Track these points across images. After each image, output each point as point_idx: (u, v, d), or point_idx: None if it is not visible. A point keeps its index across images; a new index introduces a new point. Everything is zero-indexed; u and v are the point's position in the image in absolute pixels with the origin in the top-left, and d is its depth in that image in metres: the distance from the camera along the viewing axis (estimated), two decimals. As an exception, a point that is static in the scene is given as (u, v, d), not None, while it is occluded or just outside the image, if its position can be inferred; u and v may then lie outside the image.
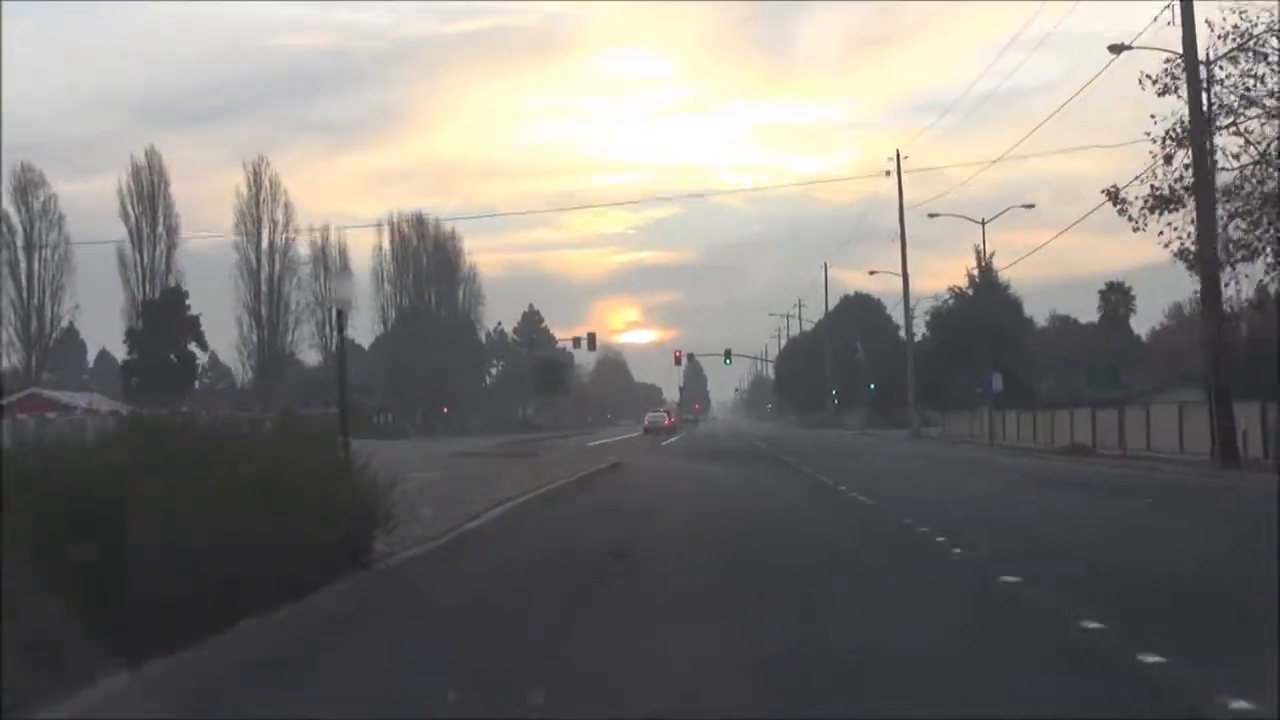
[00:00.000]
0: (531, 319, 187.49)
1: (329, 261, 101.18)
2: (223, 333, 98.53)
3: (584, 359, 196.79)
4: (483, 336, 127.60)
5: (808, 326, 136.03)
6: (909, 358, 78.68)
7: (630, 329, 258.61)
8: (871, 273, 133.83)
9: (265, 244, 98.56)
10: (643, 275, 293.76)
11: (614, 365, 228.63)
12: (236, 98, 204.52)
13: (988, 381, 61.44)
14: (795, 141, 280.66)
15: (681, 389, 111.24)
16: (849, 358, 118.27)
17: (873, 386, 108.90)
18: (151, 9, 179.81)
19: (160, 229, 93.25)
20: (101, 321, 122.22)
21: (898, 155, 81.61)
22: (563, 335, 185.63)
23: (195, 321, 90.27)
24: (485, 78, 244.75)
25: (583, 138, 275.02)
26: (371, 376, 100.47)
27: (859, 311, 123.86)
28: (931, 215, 75.15)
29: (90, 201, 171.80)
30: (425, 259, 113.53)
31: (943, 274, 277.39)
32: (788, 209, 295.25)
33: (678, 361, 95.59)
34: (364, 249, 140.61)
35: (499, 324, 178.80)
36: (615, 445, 62.66)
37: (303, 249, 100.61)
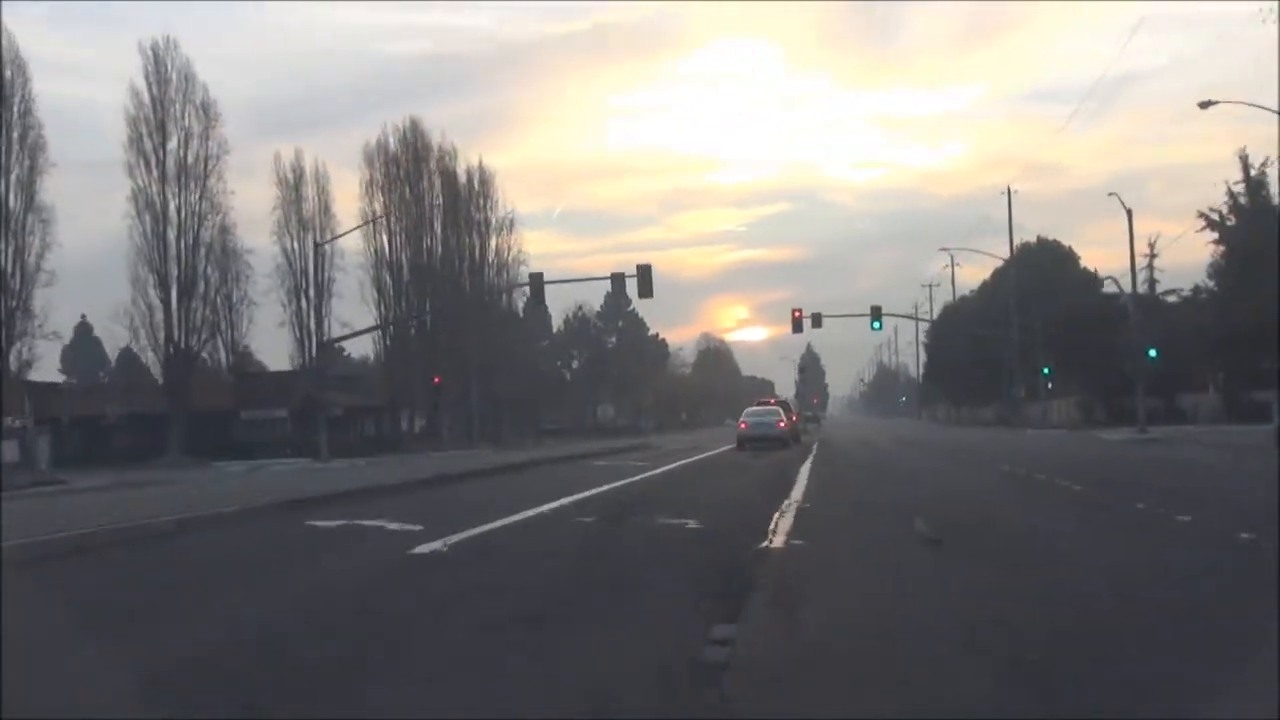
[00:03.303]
0: (616, 297, 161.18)
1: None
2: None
3: (681, 343, 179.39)
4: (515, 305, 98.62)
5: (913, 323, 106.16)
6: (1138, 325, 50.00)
7: (740, 326, 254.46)
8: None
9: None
10: (752, 273, 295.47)
11: (717, 356, 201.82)
12: (338, 105, 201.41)
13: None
14: (906, 133, 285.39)
15: (802, 370, 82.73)
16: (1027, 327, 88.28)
17: (1047, 371, 79.25)
18: (247, 16, 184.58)
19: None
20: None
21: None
22: (671, 335, 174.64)
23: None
24: (589, 78, 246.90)
25: (688, 135, 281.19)
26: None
27: (1038, 269, 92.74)
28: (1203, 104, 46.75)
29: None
30: (428, 193, 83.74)
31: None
32: (899, 203, 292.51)
33: (797, 324, 67.57)
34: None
35: (579, 306, 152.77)
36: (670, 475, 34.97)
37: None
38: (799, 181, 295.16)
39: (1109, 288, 76.34)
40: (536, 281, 50.85)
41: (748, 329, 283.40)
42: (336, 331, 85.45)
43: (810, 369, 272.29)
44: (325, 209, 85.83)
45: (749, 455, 38.39)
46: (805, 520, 15.34)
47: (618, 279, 48.15)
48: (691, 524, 15.59)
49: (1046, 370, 75.67)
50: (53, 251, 64.54)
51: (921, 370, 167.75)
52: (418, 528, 15.59)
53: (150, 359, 71.26)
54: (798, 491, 20.80)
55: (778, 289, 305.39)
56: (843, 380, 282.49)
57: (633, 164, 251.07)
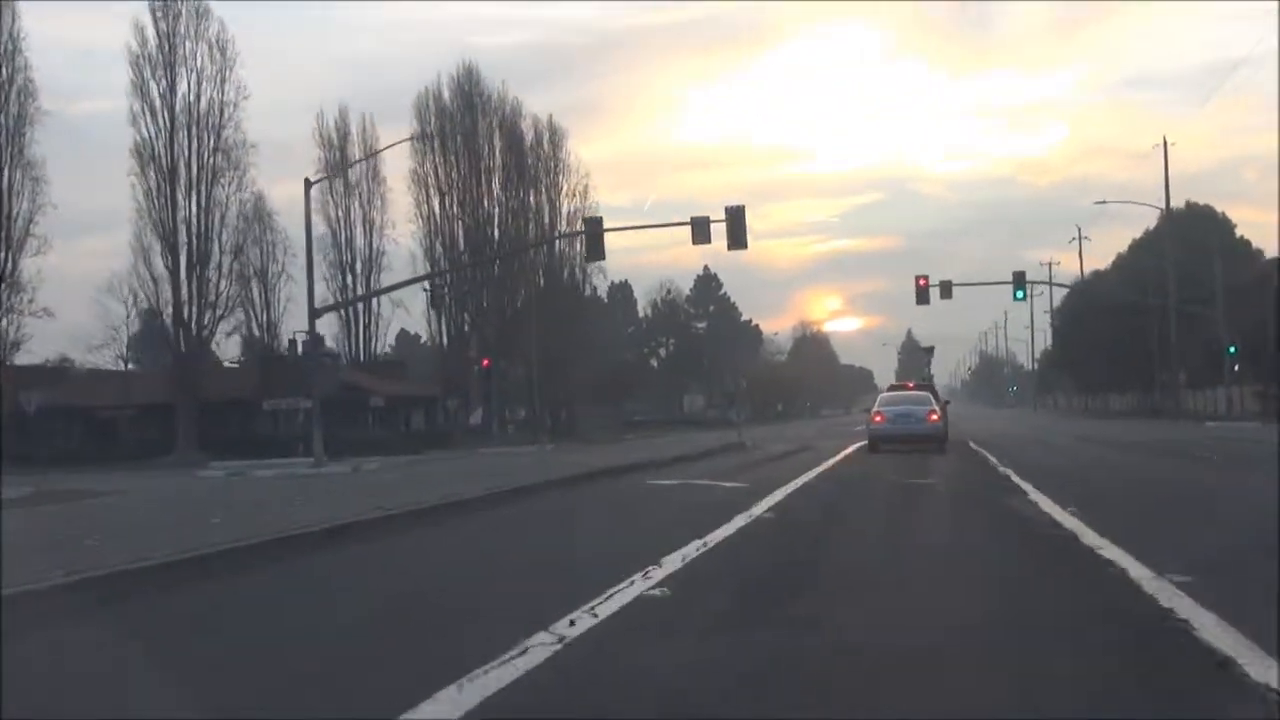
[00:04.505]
0: (707, 281, 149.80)
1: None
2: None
3: (773, 333, 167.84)
4: (598, 288, 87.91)
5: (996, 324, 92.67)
6: None
7: (834, 317, 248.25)
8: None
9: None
10: (844, 263, 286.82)
11: (815, 344, 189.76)
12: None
13: None
14: (1000, 121, 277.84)
15: (929, 350, 71.52)
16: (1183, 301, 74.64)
17: (1233, 350, 65.90)
18: (345, 11, 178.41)
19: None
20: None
21: None
22: (763, 327, 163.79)
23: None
24: (681, 69, 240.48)
25: (780, 126, 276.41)
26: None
27: (1185, 242, 78.96)
28: None
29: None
30: (486, 150, 71.97)
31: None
32: (992, 192, 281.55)
33: (922, 294, 55.49)
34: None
35: (667, 290, 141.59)
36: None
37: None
38: (891, 171, 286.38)
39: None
40: (593, 228, 39.47)
41: (840, 319, 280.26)
42: (388, 312, 75.25)
43: (914, 356, 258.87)
44: (374, 173, 75.73)
45: (898, 463, 26.44)
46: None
47: (700, 224, 36.34)
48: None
49: (1233, 349, 62.38)
50: (46, 214, 54.77)
51: (1035, 357, 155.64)
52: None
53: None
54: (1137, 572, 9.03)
55: (870, 279, 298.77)
56: (938, 371, 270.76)
57: (723, 155, 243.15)
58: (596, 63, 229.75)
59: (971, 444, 34.60)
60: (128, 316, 60.20)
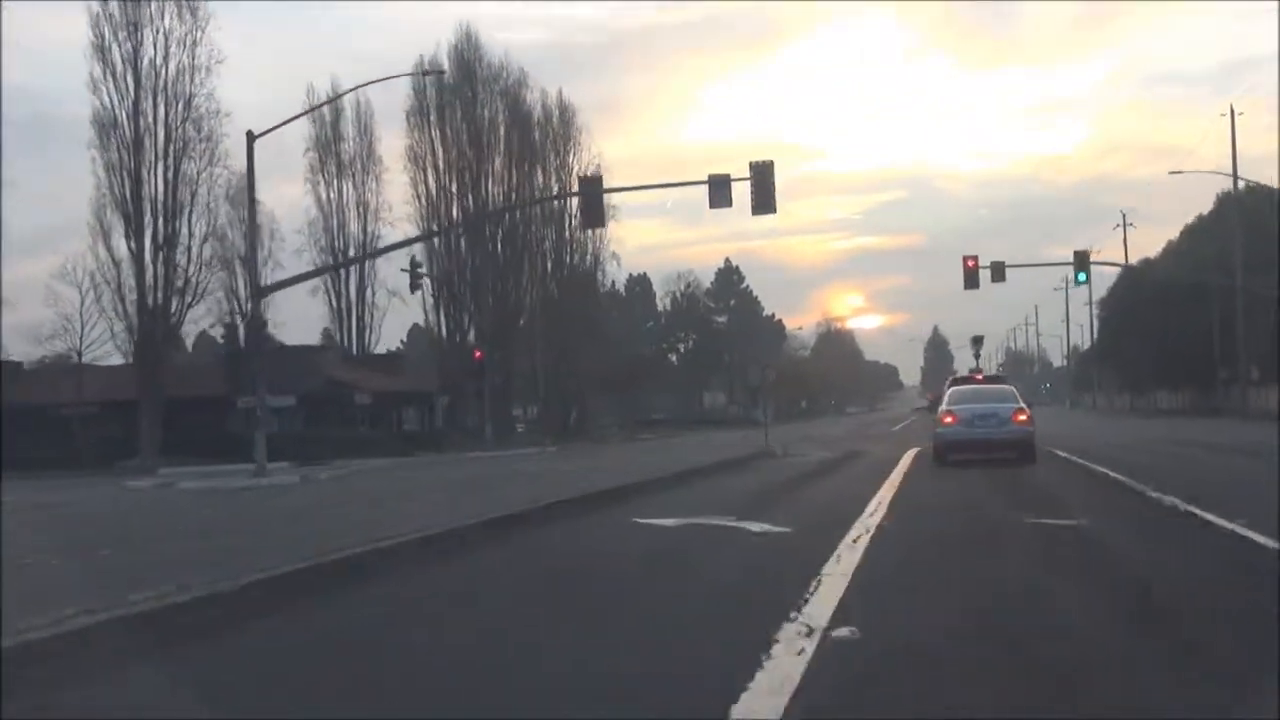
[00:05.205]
0: (728, 274, 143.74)
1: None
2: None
3: (795, 330, 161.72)
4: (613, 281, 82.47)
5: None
6: None
7: (856, 314, 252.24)
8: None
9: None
10: (867, 260, 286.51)
11: (838, 341, 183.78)
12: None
13: None
14: (1023, 120, 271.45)
15: (978, 342, 64.88)
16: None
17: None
18: (348, 9, 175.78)
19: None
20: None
21: None
22: (786, 322, 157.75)
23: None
24: (701, 66, 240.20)
25: (803, 123, 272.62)
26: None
27: (1248, 223, 72.09)
28: None
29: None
30: (487, 125, 66.56)
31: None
32: (1015, 190, 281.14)
33: (971, 277, 49.19)
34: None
35: (687, 281, 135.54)
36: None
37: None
38: (914, 169, 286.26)
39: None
40: (590, 188, 33.08)
41: (863, 317, 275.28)
42: (384, 302, 69.50)
43: (939, 353, 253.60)
44: (369, 151, 69.88)
45: (989, 482, 20.14)
46: None
47: (719, 183, 29.84)
48: None
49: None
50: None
51: (1066, 353, 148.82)
52: None
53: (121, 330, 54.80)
54: None
55: (893, 276, 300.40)
56: (961, 369, 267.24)
57: (744, 153, 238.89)
58: (611, 60, 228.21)
59: (1059, 452, 27.83)
60: (82, 304, 54.45)
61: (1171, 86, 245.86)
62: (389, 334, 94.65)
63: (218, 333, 67.68)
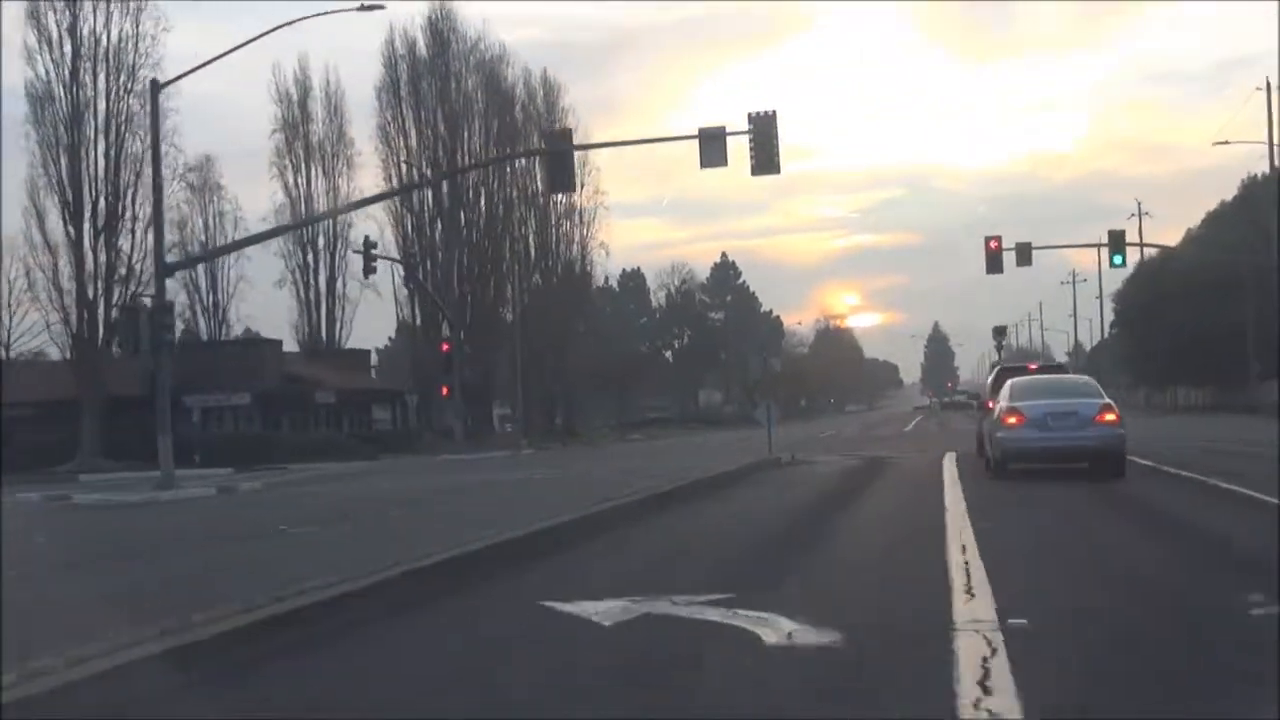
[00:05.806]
0: (724, 269, 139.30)
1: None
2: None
3: (793, 327, 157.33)
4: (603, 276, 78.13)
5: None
6: None
7: (853, 312, 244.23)
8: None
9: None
10: (864, 258, 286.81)
11: (837, 339, 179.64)
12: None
13: None
14: (1020, 118, 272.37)
15: (999, 337, 60.77)
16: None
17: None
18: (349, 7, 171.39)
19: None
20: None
21: None
22: (784, 318, 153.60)
23: None
24: (697, 63, 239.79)
25: (800, 121, 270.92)
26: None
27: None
28: None
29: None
30: (462, 102, 61.93)
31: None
32: (1013, 188, 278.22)
33: (994, 260, 44.58)
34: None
35: (682, 275, 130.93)
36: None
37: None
38: (911, 167, 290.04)
39: None
40: (556, 141, 28.31)
41: (860, 315, 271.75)
42: (355, 294, 64.76)
43: (939, 350, 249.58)
44: (340, 134, 65.30)
45: (1090, 500, 15.22)
46: None
47: (712, 137, 24.91)
48: None
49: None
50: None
51: (1069, 349, 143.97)
52: None
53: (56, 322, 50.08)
54: None
55: (890, 275, 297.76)
56: (961, 367, 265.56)
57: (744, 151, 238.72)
58: (608, 58, 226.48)
59: (1138, 459, 22.31)
60: (11, 293, 49.86)
61: (1171, 85, 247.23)
62: (376, 331, 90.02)
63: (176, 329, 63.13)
